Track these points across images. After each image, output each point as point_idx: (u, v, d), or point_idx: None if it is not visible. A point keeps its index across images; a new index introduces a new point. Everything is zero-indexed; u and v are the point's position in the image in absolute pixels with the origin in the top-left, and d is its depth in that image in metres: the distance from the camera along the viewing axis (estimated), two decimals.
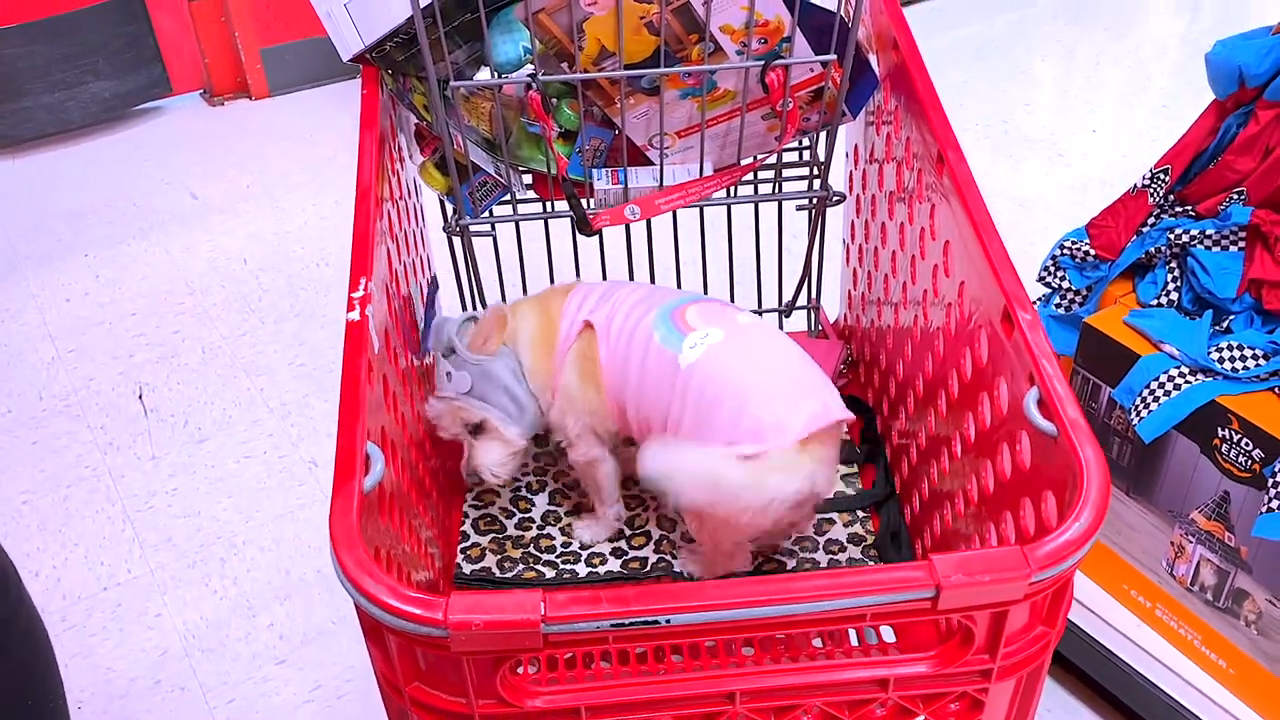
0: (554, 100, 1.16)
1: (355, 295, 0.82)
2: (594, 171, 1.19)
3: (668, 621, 0.61)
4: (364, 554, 0.64)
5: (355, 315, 0.80)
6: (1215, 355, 1.16)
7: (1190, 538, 1.21)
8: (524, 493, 1.12)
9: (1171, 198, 1.25)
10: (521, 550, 1.05)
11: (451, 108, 1.13)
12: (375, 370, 0.82)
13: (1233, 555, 1.17)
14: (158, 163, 2.75)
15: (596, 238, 1.23)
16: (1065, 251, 1.31)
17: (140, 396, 1.96)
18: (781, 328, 1.40)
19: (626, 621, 0.61)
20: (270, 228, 2.45)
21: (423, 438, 1.05)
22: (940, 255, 0.95)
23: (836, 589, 0.61)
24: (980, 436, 0.87)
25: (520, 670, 0.68)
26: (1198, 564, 1.21)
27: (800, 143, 1.26)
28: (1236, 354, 1.15)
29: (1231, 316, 1.19)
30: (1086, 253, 1.29)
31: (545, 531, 1.08)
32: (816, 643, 0.89)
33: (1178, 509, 1.22)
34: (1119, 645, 1.29)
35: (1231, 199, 1.20)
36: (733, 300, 1.33)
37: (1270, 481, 1.08)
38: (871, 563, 1.12)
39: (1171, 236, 1.22)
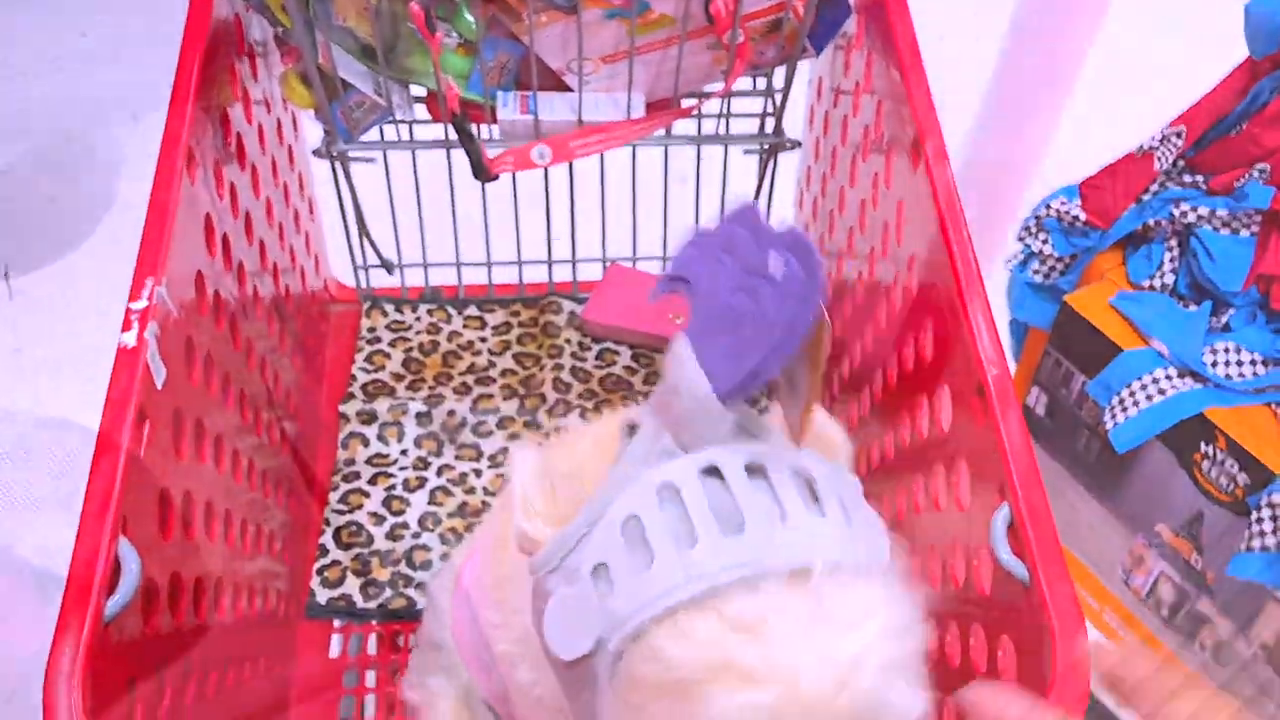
0: (455, 1, 0.93)
1: (135, 306, 0.61)
2: (499, 94, 0.97)
3: None
4: None
5: (130, 339, 0.59)
6: (1209, 358, 1.01)
7: (1153, 550, 1.09)
8: (398, 490, 0.94)
9: (1181, 164, 1.07)
10: (391, 569, 0.89)
11: (319, 4, 0.90)
12: (163, 409, 0.61)
13: (1198, 578, 1.05)
14: None
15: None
16: (1051, 212, 1.13)
17: (5, 275, 1.74)
18: None
19: None
20: None
21: (276, 430, 0.88)
22: (896, 244, 0.77)
23: None
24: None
25: None
26: (1157, 578, 1.10)
27: (754, 79, 1.04)
28: (1233, 357, 1.01)
29: (1232, 310, 1.03)
30: (1075, 217, 1.11)
31: (421, 541, 0.90)
32: None
33: (1143, 518, 1.09)
34: None
35: (1251, 176, 1.01)
36: (665, 255, 1.14)
37: (1254, 516, 0.95)
38: None
39: (1176, 211, 1.04)
